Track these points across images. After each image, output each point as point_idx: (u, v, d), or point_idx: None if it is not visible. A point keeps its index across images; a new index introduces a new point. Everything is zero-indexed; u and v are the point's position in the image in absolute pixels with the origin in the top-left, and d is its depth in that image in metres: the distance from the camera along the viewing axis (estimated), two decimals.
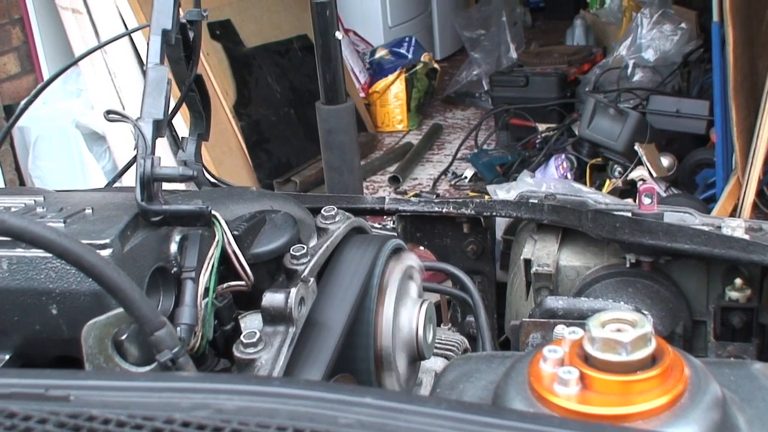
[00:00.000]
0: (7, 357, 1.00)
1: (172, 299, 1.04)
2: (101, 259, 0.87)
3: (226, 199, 1.23)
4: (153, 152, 1.06)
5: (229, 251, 1.07)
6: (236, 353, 1.01)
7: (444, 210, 1.81)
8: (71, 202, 1.10)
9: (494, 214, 1.81)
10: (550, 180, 4.31)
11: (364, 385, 1.14)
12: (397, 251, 1.26)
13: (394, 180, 5.03)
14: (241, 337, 1.02)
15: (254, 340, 1.01)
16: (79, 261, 0.86)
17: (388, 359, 1.17)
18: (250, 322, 1.13)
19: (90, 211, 1.06)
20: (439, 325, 1.69)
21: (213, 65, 4.61)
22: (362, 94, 5.89)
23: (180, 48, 1.30)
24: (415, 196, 4.76)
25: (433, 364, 1.45)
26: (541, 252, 1.75)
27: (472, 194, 4.75)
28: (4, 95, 4.49)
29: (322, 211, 1.24)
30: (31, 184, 4.38)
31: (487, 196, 4.10)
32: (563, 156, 4.67)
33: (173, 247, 1.06)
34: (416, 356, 1.24)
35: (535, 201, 1.78)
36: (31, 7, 4.57)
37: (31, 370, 0.68)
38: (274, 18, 5.24)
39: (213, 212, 1.07)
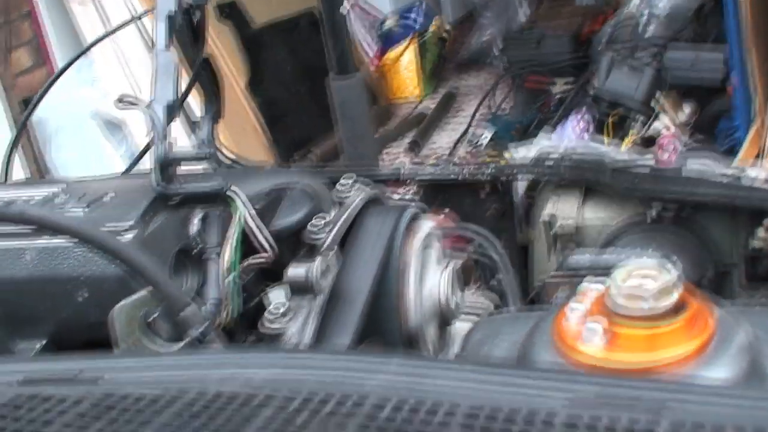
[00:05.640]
0: (41, 344, 1.01)
1: (198, 278, 1.05)
2: (125, 244, 0.88)
3: (243, 177, 1.23)
4: (167, 136, 1.07)
5: (251, 227, 1.08)
6: (265, 326, 1.02)
7: (462, 175, 1.81)
8: (92, 190, 1.11)
9: (512, 176, 1.80)
10: (569, 138, 4.28)
11: (394, 350, 1.14)
12: (416, 217, 1.26)
13: (413, 147, 5.01)
14: (269, 310, 1.02)
15: (281, 312, 1.02)
16: (105, 247, 0.87)
17: (415, 324, 1.18)
18: (277, 295, 1.13)
19: (110, 197, 1.07)
20: (467, 286, 1.69)
21: (223, 46, 4.60)
22: (374, 65, 5.86)
23: (186, 31, 1.30)
24: (434, 163, 4.75)
25: (463, 326, 1.45)
26: (564, 209, 1.74)
27: (491, 157, 4.73)
28: (20, 89, 4.51)
29: (339, 182, 1.25)
30: (53, 175, 4.40)
31: (505, 159, 4.08)
32: (582, 113, 4.63)
33: (194, 227, 1.07)
34: (443, 319, 1.24)
35: (554, 160, 1.77)
36: (39, 0, 4.58)
37: (64, 355, 0.69)
38: None
39: (233, 189, 1.08)
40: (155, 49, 1.20)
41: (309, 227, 1.12)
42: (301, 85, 5.06)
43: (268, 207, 1.14)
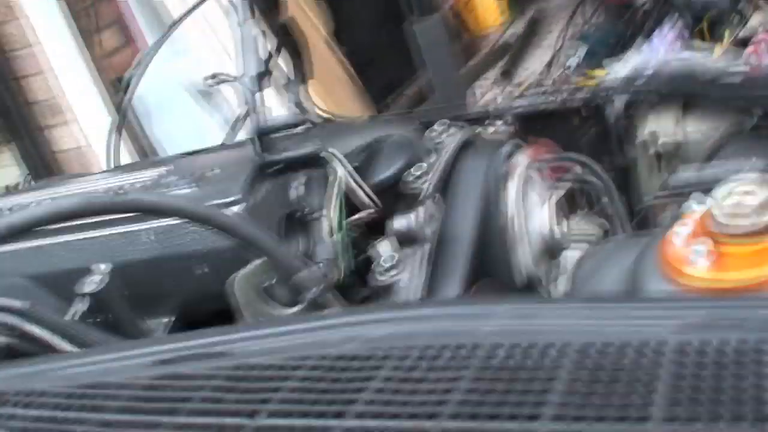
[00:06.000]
0: (168, 320, 1.07)
1: (307, 240, 1.09)
2: (235, 218, 0.92)
3: (338, 134, 1.26)
4: (261, 105, 1.10)
5: (351, 185, 1.10)
6: (376, 279, 1.05)
7: (556, 101, 1.78)
8: (195, 167, 1.16)
9: (607, 97, 1.77)
10: (665, 45, 4.15)
11: (505, 290, 1.16)
12: (513, 153, 1.26)
13: (504, 76, 4.95)
14: (378, 263, 1.05)
15: (392, 264, 1.05)
16: (217, 223, 0.91)
17: (523, 259, 1.19)
18: (384, 248, 1.16)
19: (215, 171, 1.12)
20: (576, 211, 1.69)
21: None
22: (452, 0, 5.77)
23: None
24: (525, 89, 4.68)
25: (573, 254, 1.45)
26: (663, 126, 1.70)
27: (584, 78, 4.63)
28: (111, 69, 4.62)
29: (434, 127, 1.26)
30: (155, 149, 4.53)
31: (601, 74, 3.99)
32: (674, 20, 4.47)
33: (297, 192, 1.10)
34: (552, 250, 1.25)
35: (650, 73, 1.73)
36: None
37: (193, 332, 0.74)
38: None
39: (330, 150, 1.10)
40: (237, 22, 1.22)
41: (407, 177, 1.14)
42: (387, 26, 5.04)
43: (365, 162, 1.16)
